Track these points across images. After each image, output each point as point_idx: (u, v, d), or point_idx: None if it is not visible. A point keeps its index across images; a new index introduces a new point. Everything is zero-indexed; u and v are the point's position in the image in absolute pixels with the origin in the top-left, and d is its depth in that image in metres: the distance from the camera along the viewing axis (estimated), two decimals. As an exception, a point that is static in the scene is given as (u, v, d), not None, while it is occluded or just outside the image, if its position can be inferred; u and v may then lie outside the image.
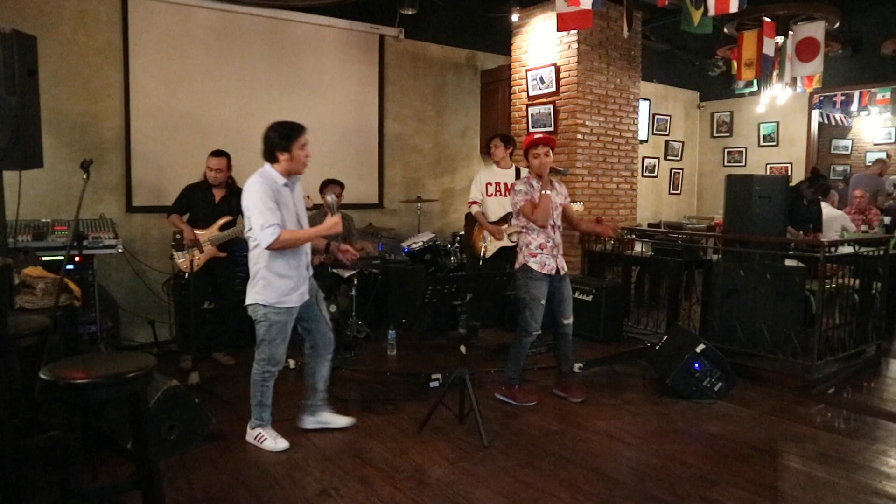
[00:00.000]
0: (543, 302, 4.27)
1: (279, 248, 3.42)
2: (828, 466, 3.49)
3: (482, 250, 5.66)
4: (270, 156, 3.50)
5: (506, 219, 5.55)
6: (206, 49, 6.02)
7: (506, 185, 5.59)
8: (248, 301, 3.58)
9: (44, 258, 4.48)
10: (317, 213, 5.74)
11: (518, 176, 5.56)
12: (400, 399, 4.46)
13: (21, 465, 2.78)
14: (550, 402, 4.47)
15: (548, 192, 4.23)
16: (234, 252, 5.21)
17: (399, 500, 3.08)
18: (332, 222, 3.52)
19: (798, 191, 6.23)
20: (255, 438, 3.67)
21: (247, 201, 3.44)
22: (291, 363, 5.12)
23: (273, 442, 3.62)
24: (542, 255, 4.29)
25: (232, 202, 5.06)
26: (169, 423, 3.47)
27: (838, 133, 10.57)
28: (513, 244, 5.33)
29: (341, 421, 3.91)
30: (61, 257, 4.22)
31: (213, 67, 6.06)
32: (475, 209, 5.69)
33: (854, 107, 9.72)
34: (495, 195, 5.63)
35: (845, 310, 5.36)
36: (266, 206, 3.37)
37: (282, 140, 3.46)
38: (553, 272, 4.28)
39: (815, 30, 6.39)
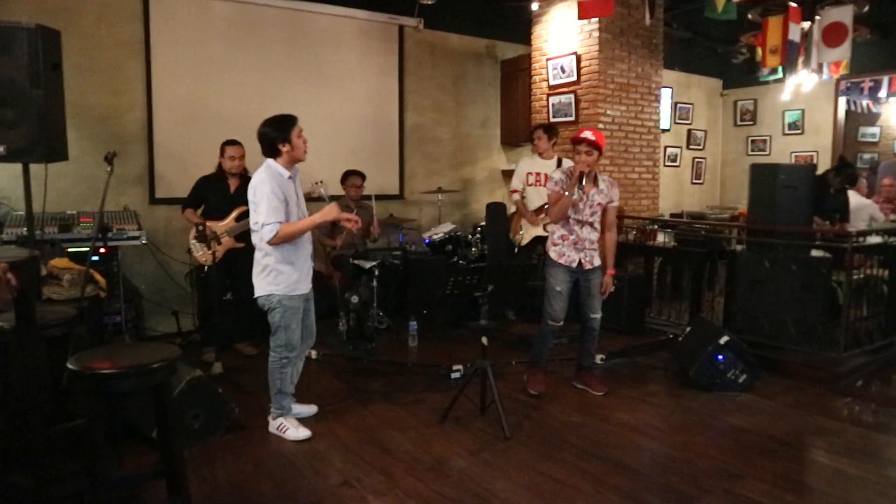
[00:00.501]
0: (559, 289, 4.23)
1: (279, 242, 3.50)
2: (856, 461, 3.43)
3: (518, 238, 5.67)
4: (272, 150, 3.58)
5: (543, 209, 5.53)
6: (226, 41, 6.04)
7: (546, 175, 5.50)
8: (260, 292, 3.65)
9: (70, 249, 4.55)
10: (361, 209, 5.74)
11: (559, 167, 5.50)
12: (421, 390, 4.47)
13: (49, 452, 2.83)
14: (572, 393, 4.45)
15: (572, 194, 4.13)
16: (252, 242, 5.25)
17: (421, 490, 3.09)
18: (327, 209, 3.58)
19: (824, 180, 6.11)
20: (278, 429, 3.70)
21: (255, 196, 3.53)
22: (314, 353, 5.15)
23: (295, 431, 3.66)
24: (563, 245, 4.26)
25: (245, 192, 5.06)
26: (192, 413, 3.51)
27: (866, 120, 10.34)
28: (547, 234, 5.31)
29: (308, 410, 3.99)
30: (87, 249, 4.27)
31: (233, 59, 6.08)
32: (516, 198, 5.69)
33: (883, 93, 9.48)
34: (535, 185, 5.59)
35: (873, 301, 5.26)
36: (271, 204, 3.46)
37: (280, 132, 3.54)
38: (573, 264, 4.23)
39: (843, 14, 6.24)
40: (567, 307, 4.29)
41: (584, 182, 4.12)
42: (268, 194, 3.46)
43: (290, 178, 3.60)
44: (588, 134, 4.11)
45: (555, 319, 4.27)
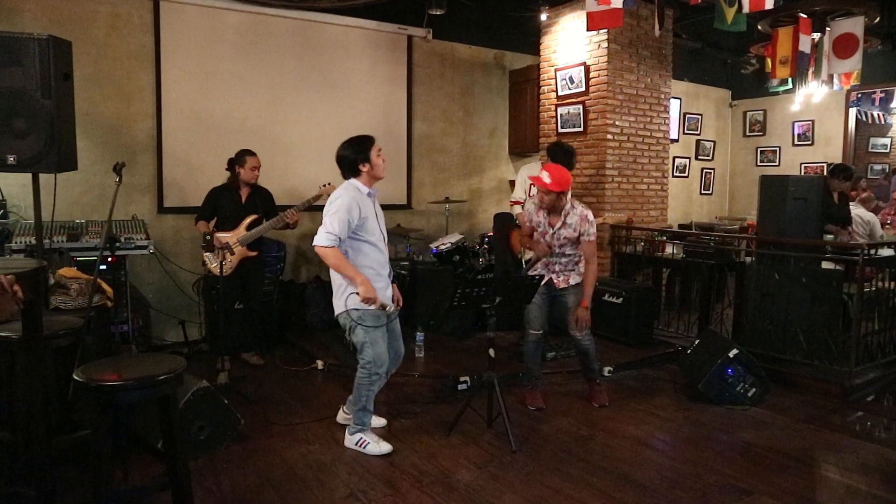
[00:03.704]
0: (534, 302, 4.22)
1: (321, 253, 3.47)
2: (868, 477, 3.38)
3: (521, 252, 5.58)
4: (353, 171, 3.62)
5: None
6: (236, 51, 6.07)
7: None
8: (340, 309, 3.61)
9: (78, 258, 4.56)
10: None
11: None
12: (427, 402, 4.45)
13: (54, 463, 2.83)
14: (579, 406, 4.42)
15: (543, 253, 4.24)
16: (263, 252, 5.27)
17: (426, 504, 3.07)
18: (366, 291, 3.45)
19: (827, 188, 6.04)
20: (357, 444, 3.64)
21: (331, 208, 3.50)
22: (320, 364, 5.14)
23: (377, 446, 3.60)
24: (536, 265, 4.33)
25: (257, 201, 5.11)
26: (198, 424, 3.50)
27: (877, 131, 10.27)
28: None
29: (377, 422, 3.95)
30: (95, 258, 4.28)
31: (243, 69, 6.11)
32: (518, 210, 5.51)
33: (894, 103, 9.44)
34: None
35: (885, 314, 5.20)
36: (340, 216, 3.44)
37: (359, 153, 3.59)
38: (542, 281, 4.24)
39: (854, 25, 6.21)
40: (543, 318, 4.31)
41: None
42: (342, 207, 3.46)
43: (368, 194, 3.62)
44: (544, 175, 4.07)
45: (533, 329, 4.30)
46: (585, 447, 3.74)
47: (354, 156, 3.60)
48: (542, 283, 4.24)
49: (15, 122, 3.38)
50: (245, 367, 5.18)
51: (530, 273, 4.30)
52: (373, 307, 3.52)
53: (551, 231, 4.24)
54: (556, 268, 4.31)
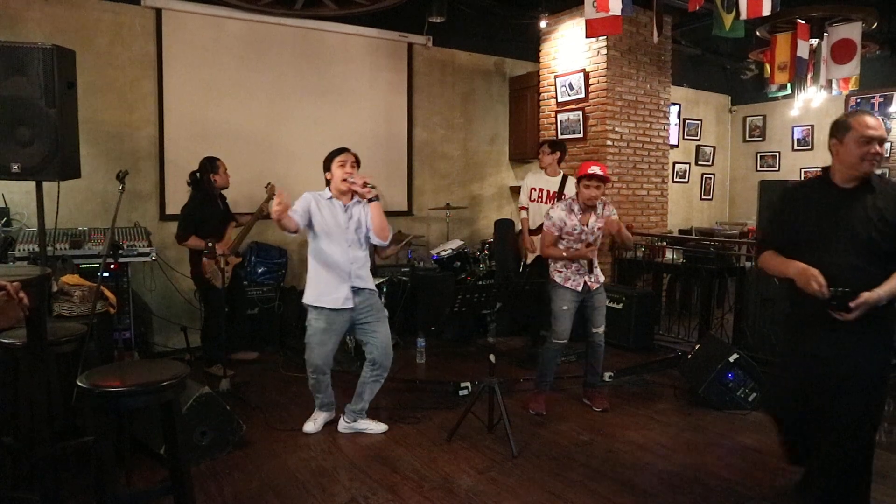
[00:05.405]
0: (565, 308, 4.25)
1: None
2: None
3: (524, 256, 5.63)
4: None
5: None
6: (238, 59, 6.11)
7: (548, 192, 5.46)
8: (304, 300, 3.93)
9: (81, 266, 4.59)
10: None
11: (563, 185, 5.43)
12: (429, 407, 4.45)
13: (58, 469, 2.85)
14: (580, 411, 4.43)
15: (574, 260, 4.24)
16: (262, 258, 5.38)
17: (427, 509, 3.08)
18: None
19: None
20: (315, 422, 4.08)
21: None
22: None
23: (311, 424, 4.04)
24: (567, 272, 4.31)
25: (227, 207, 5.26)
26: (200, 430, 3.52)
27: (876, 136, 10.34)
28: None
29: (377, 427, 4.00)
30: (97, 265, 4.30)
31: (245, 77, 6.15)
32: (523, 215, 5.62)
33: (893, 108, 9.45)
34: (537, 202, 5.51)
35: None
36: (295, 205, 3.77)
37: (325, 162, 3.93)
38: (578, 288, 4.26)
39: (852, 31, 6.24)
40: (572, 327, 4.31)
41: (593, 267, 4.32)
42: (299, 201, 3.80)
43: (329, 198, 3.86)
44: (596, 169, 4.12)
45: (560, 338, 4.29)
46: (586, 452, 3.75)
47: (324, 169, 3.92)
48: (576, 289, 4.24)
49: (19, 130, 3.40)
50: (247, 373, 5.19)
51: (565, 284, 4.26)
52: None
53: (587, 228, 4.24)
54: (590, 268, 4.30)
